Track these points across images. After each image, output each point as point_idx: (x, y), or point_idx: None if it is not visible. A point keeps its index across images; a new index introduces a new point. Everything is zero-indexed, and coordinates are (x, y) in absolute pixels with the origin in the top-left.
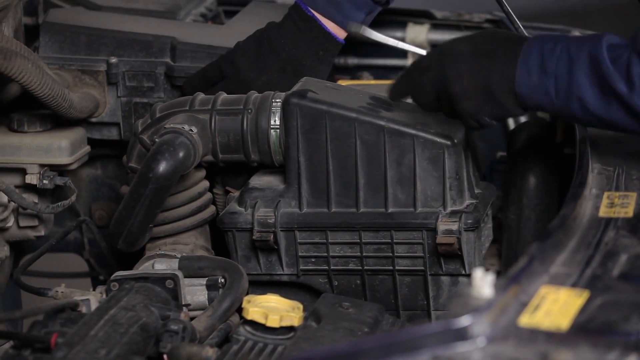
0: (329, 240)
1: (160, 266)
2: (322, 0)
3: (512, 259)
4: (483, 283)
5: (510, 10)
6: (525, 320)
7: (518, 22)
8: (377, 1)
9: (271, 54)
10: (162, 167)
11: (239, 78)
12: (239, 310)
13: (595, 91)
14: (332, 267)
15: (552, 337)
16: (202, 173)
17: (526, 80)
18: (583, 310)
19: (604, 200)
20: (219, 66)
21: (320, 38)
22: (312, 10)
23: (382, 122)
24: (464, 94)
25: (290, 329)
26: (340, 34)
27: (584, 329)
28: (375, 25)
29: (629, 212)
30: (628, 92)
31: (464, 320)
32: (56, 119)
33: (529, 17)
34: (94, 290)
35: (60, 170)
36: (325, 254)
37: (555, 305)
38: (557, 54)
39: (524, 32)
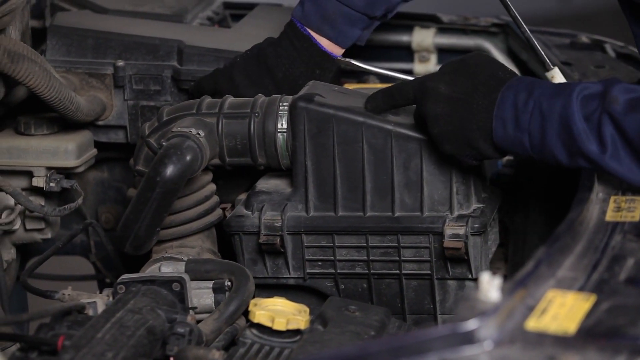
0: (336, 244)
1: (167, 269)
2: (316, 17)
3: (519, 263)
4: (490, 287)
5: (517, 14)
6: (532, 324)
7: (525, 26)
8: (372, 17)
9: (268, 73)
10: (170, 170)
11: (236, 94)
12: (246, 313)
13: (566, 153)
14: (338, 271)
15: (559, 341)
16: (209, 176)
17: (502, 133)
18: (590, 314)
19: (611, 205)
20: (215, 80)
21: (316, 57)
22: (307, 28)
23: (389, 126)
24: (443, 138)
25: (297, 332)
26: (335, 50)
27: (590, 333)
28: (382, 29)
29: (636, 216)
30: (599, 154)
31: (471, 324)
32: (63, 122)
33: (535, 21)
34: (100, 293)
35: (67, 173)
36: (332, 258)
37: (562, 309)
38: (529, 110)
39: (531, 36)
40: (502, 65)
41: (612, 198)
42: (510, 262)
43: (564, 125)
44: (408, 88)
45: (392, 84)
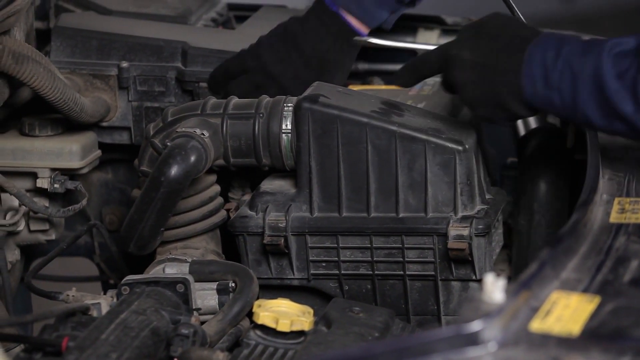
0: (340, 245)
1: (171, 270)
2: None
3: (523, 265)
4: (494, 288)
5: (520, 16)
6: (537, 325)
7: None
8: (400, 0)
9: (296, 49)
10: (174, 171)
11: (265, 71)
12: (250, 314)
13: (599, 113)
14: (342, 272)
15: (563, 343)
16: (214, 177)
17: (531, 92)
18: (594, 315)
19: (615, 206)
20: (242, 60)
21: (344, 32)
22: (335, 5)
23: (393, 127)
24: (475, 103)
25: (301, 333)
26: (363, 29)
27: (595, 334)
28: (386, 31)
29: None
30: (634, 113)
31: (475, 325)
32: (67, 123)
33: (538, 22)
34: (104, 294)
35: (71, 174)
36: (336, 259)
37: (567, 311)
38: (559, 68)
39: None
40: (523, 23)
41: (617, 200)
42: (514, 263)
43: (597, 85)
44: (432, 58)
45: (415, 57)
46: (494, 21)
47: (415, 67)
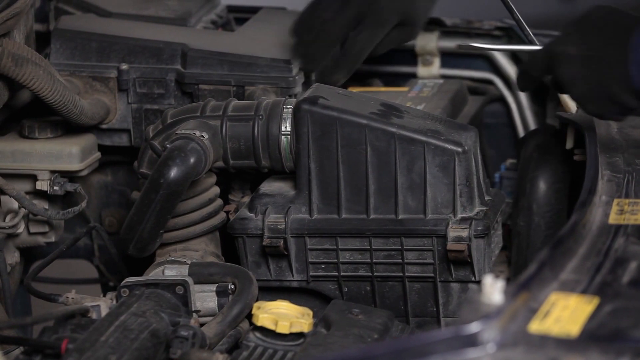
0: (339, 247)
1: (171, 272)
2: None
3: (522, 266)
4: (493, 289)
5: (520, 18)
6: (535, 326)
7: (528, 29)
8: None
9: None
10: (174, 172)
11: None
12: (249, 316)
13: None
14: (342, 274)
15: (562, 344)
16: (213, 179)
17: None
18: (593, 316)
19: (614, 207)
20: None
21: None
22: None
23: (392, 129)
24: (584, 99)
25: (300, 335)
26: None
27: (593, 335)
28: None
29: (639, 219)
30: None
31: (474, 327)
32: (67, 126)
33: (539, 23)
34: (104, 296)
35: (70, 176)
36: (335, 260)
37: (565, 312)
38: None
39: (534, 39)
40: (626, 12)
41: (616, 201)
42: (514, 265)
43: None
44: (538, 59)
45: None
46: (596, 13)
47: (525, 72)
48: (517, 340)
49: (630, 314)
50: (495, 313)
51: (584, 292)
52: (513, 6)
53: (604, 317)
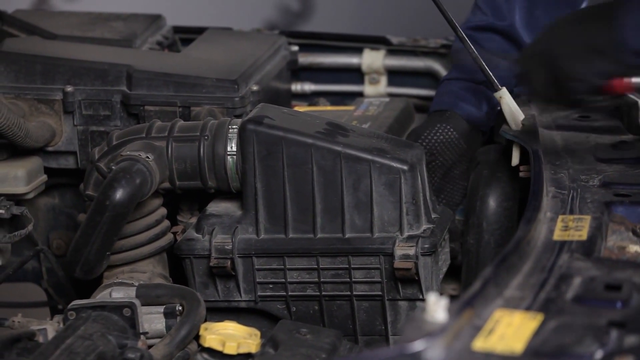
0: (287, 266)
1: (118, 294)
2: None
3: (471, 284)
4: (437, 307)
5: (464, 36)
6: (480, 344)
7: (472, 47)
8: None
9: None
10: (119, 194)
11: None
12: (197, 337)
13: None
14: (290, 293)
15: None
16: (159, 200)
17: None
18: (537, 333)
19: (559, 224)
20: None
21: None
22: None
23: (338, 148)
24: (572, 55)
25: (248, 355)
26: None
27: (537, 352)
28: (332, 51)
29: (583, 235)
30: None
31: (418, 345)
32: (12, 149)
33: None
34: (51, 319)
35: (17, 199)
36: (283, 280)
37: (510, 329)
38: None
39: (478, 57)
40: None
41: (560, 217)
42: (464, 282)
43: None
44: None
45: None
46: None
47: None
48: (462, 358)
49: (573, 330)
50: (439, 331)
51: (528, 308)
52: (457, 25)
53: (548, 334)
